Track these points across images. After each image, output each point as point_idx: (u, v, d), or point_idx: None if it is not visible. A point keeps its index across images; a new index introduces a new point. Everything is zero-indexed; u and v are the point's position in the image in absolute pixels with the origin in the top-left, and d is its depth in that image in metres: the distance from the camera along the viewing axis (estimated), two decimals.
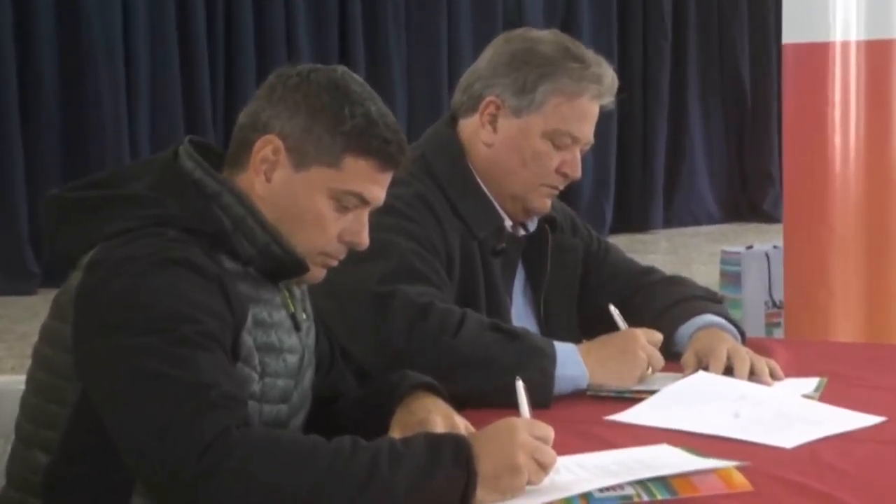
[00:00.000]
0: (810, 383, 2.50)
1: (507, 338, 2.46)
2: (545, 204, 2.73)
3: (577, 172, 2.71)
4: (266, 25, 8.58)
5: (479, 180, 2.70)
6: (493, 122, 2.69)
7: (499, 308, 2.67)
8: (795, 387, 2.49)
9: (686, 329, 2.68)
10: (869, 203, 3.99)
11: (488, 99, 2.69)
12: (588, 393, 2.46)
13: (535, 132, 2.66)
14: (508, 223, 2.73)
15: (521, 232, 2.78)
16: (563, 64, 2.66)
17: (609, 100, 2.72)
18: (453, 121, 2.76)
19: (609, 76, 2.70)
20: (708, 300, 2.79)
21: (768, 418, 2.29)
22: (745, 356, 2.54)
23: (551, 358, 2.43)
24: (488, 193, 2.70)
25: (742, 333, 2.74)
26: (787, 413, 2.31)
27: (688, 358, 2.58)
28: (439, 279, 2.55)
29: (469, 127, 2.72)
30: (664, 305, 2.76)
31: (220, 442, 1.75)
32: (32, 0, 7.92)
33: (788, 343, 3.64)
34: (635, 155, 10.22)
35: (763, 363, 2.53)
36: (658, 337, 2.54)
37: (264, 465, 1.75)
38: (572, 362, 2.46)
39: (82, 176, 2.14)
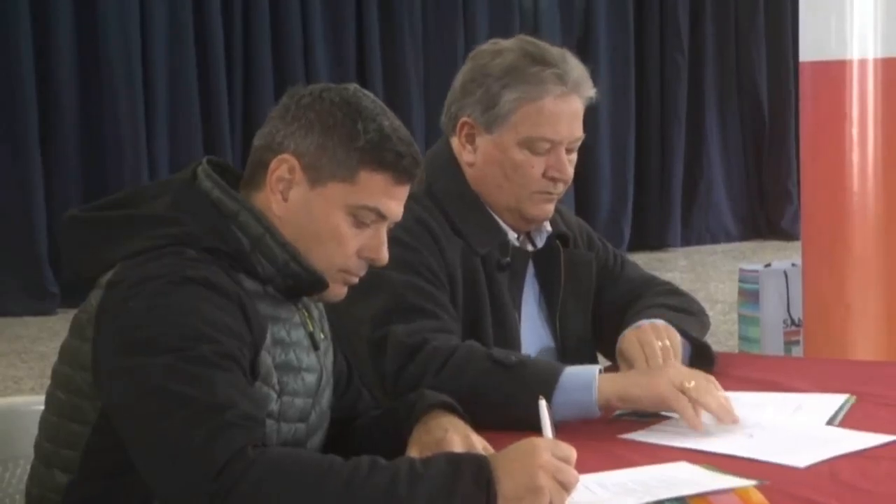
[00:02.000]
0: (837, 400, 2.49)
1: (499, 369, 2.40)
2: (544, 210, 2.71)
3: (565, 173, 2.68)
4: (284, 43, 8.61)
5: (478, 196, 2.70)
6: (471, 141, 2.69)
7: (506, 323, 2.66)
8: (822, 403, 2.47)
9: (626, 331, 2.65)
10: (887, 220, 4.00)
11: (462, 120, 2.69)
12: (613, 417, 2.43)
13: (510, 144, 2.65)
14: (513, 236, 2.72)
15: (530, 246, 2.77)
16: (523, 70, 2.63)
17: (587, 92, 2.68)
18: (448, 141, 2.76)
19: (574, 70, 2.66)
20: (678, 310, 2.75)
21: (783, 439, 2.28)
22: (652, 342, 2.53)
23: (549, 387, 2.33)
24: (489, 209, 2.70)
25: (706, 349, 2.70)
26: (804, 435, 2.30)
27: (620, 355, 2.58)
28: (437, 308, 2.53)
29: (455, 147, 2.73)
30: (634, 312, 2.74)
31: (236, 462, 1.75)
32: (52, 22, 7.97)
33: (809, 362, 3.65)
34: (653, 173, 10.22)
35: (669, 355, 2.51)
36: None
37: (280, 486, 1.75)
38: (579, 387, 2.37)
39: (101, 196, 2.15)
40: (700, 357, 2.69)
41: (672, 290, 2.91)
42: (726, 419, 2.32)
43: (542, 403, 1.98)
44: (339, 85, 2.13)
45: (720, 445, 2.23)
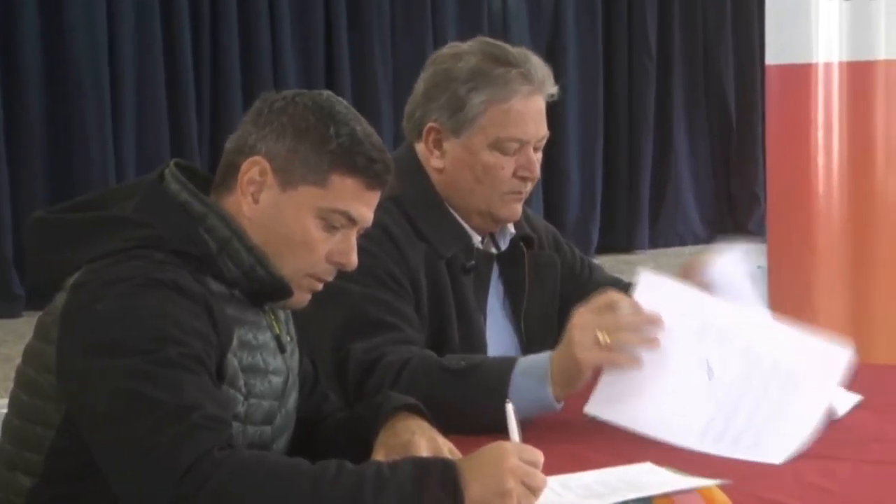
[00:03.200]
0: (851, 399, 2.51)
1: (450, 378, 2.40)
2: (514, 210, 2.72)
3: (535, 172, 2.68)
4: (252, 48, 8.58)
5: (442, 200, 2.70)
6: (439, 146, 2.69)
7: (471, 326, 2.67)
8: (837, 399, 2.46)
9: None
10: (852, 223, 4.02)
11: (428, 125, 2.69)
12: (585, 417, 2.41)
13: (480, 146, 2.65)
14: (477, 239, 2.72)
15: (494, 249, 2.78)
16: (488, 73, 2.64)
17: (551, 90, 2.69)
18: (411, 146, 2.76)
19: (539, 69, 2.67)
20: None
21: (740, 370, 2.33)
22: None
23: (499, 392, 2.30)
24: (453, 212, 2.70)
25: None
26: (758, 353, 2.35)
27: None
28: (398, 319, 2.53)
29: (421, 153, 2.73)
30: None
31: (202, 464, 1.75)
32: (18, 21, 7.92)
33: None
34: (621, 176, 10.23)
35: None
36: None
37: (246, 488, 1.75)
38: (531, 387, 2.36)
39: (68, 198, 2.14)
40: None
41: None
42: (647, 333, 2.33)
43: (509, 407, 1.97)
44: (313, 91, 2.14)
45: (677, 432, 2.29)
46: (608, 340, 2.32)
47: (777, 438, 2.28)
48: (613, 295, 2.43)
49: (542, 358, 2.41)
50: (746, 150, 10.45)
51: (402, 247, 2.60)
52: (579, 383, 2.37)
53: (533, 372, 2.39)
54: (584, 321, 2.36)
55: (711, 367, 2.33)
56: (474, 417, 2.26)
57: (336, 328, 2.50)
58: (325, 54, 8.87)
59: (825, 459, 2.19)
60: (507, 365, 2.42)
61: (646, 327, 2.36)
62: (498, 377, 2.39)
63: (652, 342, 2.34)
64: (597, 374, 2.37)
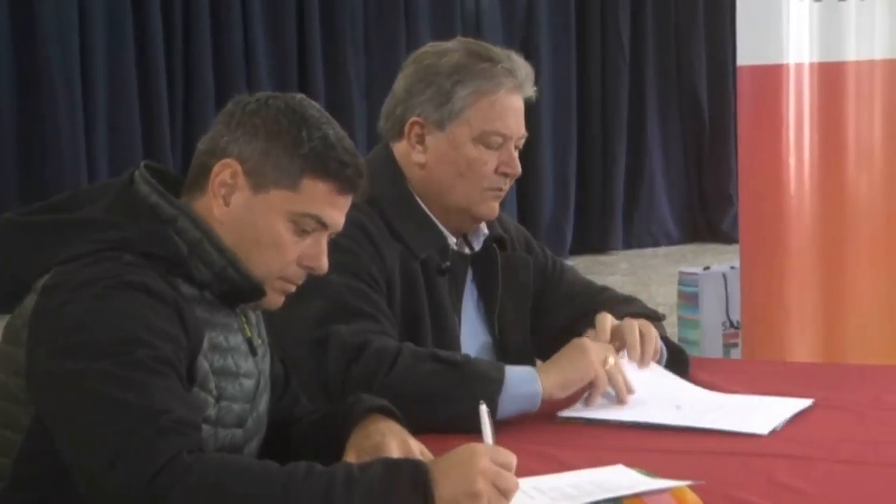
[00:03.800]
0: (798, 404, 2.52)
1: (446, 368, 2.44)
2: (492, 208, 2.73)
3: (517, 168, 2.71)
4: (225, 50, 8.55)
5: (418, 201, 2.70)
6: (421, 141, 2.70)
7: (445, 328, 2.67)
8: (786, 406, 2.50)
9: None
10: (823, 223, 4.03)
11: (411, 120, 2.69)
12: (558, 422, 2.46)
13: (464, 140, 2.67)
14: (453, 241, 2.73)
15: (468, 250, 2.78)
16: (474, 66, 2.66)
17: (529, 90, 2.72)
18: (387, 147, 2.76)
19: (522, 67, 2.71)
20: (650, 318, 2.80)
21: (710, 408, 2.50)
22: (633, 327, 2.64)
23: (497, 383, 2.41)
24: (429, 213, 2.70)
25: (682, 352, 2.79)
26: (727, 405, 2.53)
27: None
28: (376, 311, 2.55)
29: (400, 151, 2.73)
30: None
31: (171, 468, 1.75)
32: None
33: (748, 364, 3.68)
34: (595, 176, 10.24)
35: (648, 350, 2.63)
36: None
37: (216, 492, 1.75)
38: (524, 381, 2.45)
39: (39, 200, 2.13)
40: (676, 362, 2.76)
41: (629, 297, 2.95)
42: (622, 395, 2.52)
43: (483, 409, 1.98)
44: (286, 94, 2.14)
45: (650, 415, 2.44)
46: (612, 363, 2.51)
47: (758, 416, 2.42)
48: (607, 318, 2.65)
49: (526, 366, 2.53)
50: (719, 150, 10.48)
51: (378, 245, 2.61)
52: (570, 390, 2.50)
53: (523, 370, 2.48)
54: (593, 345, 2.54)
55: (681, 406, 2.54)
56: (468, 408, 2.25)
57: (315, 314, 2.49)
58: (298, 56, 8.86)
59: (797, 459, 2.20)
60: (498, 364, 2.50)
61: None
62: (494, 370, 2.44)
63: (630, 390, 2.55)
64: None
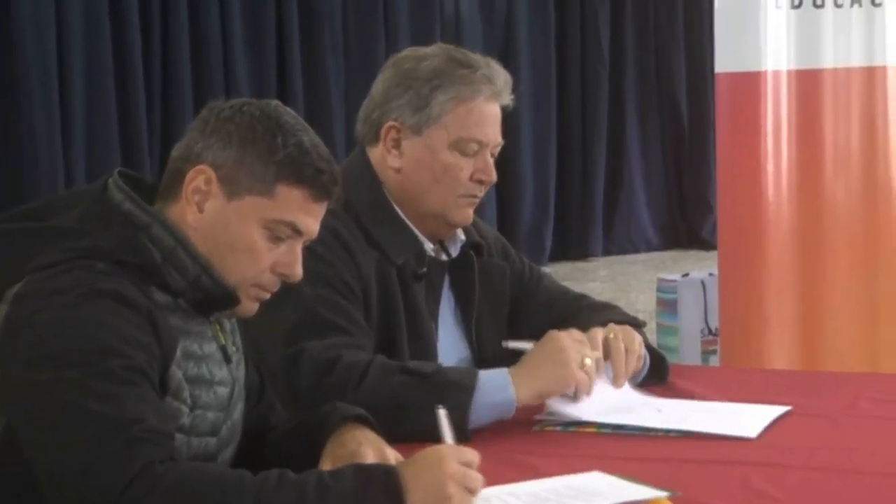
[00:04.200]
0: (776, 411, 2.52)
1: (415, 379, 2.43)
2: (467, 214, 2.72)
3: (493, 176, 2.70)
4: (203, 55, 8.53)
5: (394, 206, 2.70)
6: (397, 146, 2.69)
7: (422, 334, 2.66)
8: (762, 414, 2.51)
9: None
10: (801, 230, 4.04)
11: (388, 124, 2.68)
12: (534, 428, 2.45)
13: (441, 146, 2.66)
14: (429, 247, 2.72)
15: (444, 256, 2.78)
16: (453, 72, 2.66)
17: (507, 98, 2.71)
18: (363, 151, 2.75)
19: (501, 75, 2.70)
20: (631, 324, 2.80)
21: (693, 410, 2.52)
22: (620, 349, 2.60)
23: (467, 390, 2.40)
24: (405, 219, 2.70)
25: (663, 360, 2.78)
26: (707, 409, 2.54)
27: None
28: (349, 322, 2.53)
29: (376, 156, 2.72)
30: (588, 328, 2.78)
31: (144, 477, 1.74)
32: None
33: (726, 371, 3.68)
34: (575, 183, 10.25)
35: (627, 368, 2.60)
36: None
37: (188, 501, 1.74)
38: (497, 388, 2.43)
39: (16, 206, 2.12)
40: (657, 370, 2.76)
41: (607, 304, 2.96)
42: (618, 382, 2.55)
43: (441, 412, 2.00)
44: (261, 100, 2.13)
45: (632, 419, 2.44)
46: (590, 364, 2.47)
47: (741, 421, 2.43)
48: (598, 333, 2.59)
49: (499, 370, 2.49)
50: (698, 157, 10.50)
51: (354, 253, 2.60)
52: (546, 396, 2.47)
53: (496, 378, 2.46)
54: (570, 344, 2.48)
55: (662, 409, 2.55)
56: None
57: (287, 327, 2.48)
58: (277, 61, 8.84)
59: (773, 467, 2.20)
60: (471, 371, 2.49)
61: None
62: (465, 379, 2.43)
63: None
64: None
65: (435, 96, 2.65)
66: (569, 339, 2.50)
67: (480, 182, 2.69)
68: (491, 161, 2.70)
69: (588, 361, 2.47)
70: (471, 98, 2.65)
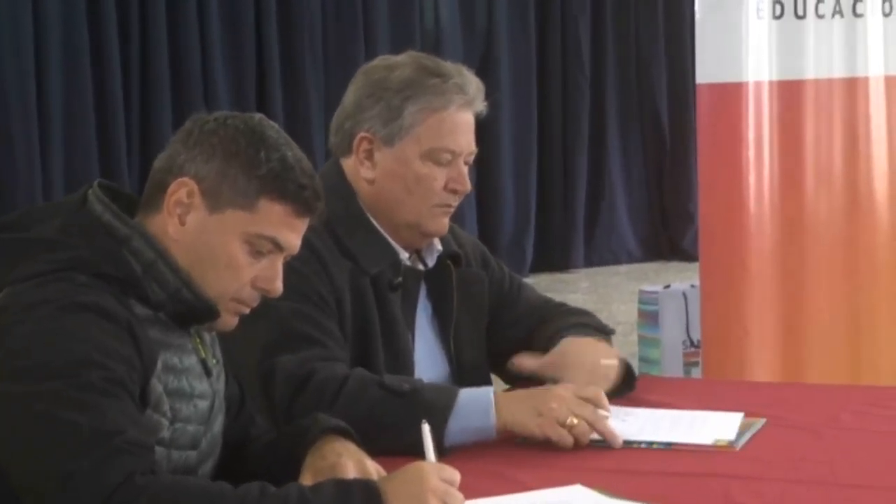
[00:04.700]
0: (734, 418, 2.52)
1: (393, 396, 2.41)
2: (442, 224, 2.71)
3: (466, 185, 2.69)
4: (182, 67, 8.51)
5: (369, 217, 2.69)
6: (370, 157, 2.68)
7: (398, 344, 2.65)
8: (721, 422, 2.50)
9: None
10: (783, 242, 4.03)
11: (360, 135, 2.67)
12: (517, 441, 2.42)
13: (413, 156, 2.65)
14: (405, 256, 2.71)
15: (421, 266, 2.77)
16: (424, 82, 2.64)
17: (480, 106, 2.70)
18: (337, 162, 2.74)
19: (472, 83, 2.69)
20: (596, 329, 2.79)
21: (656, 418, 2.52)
22: (597, 359, 2.61)
23: (445, 411, 2.37)
24: (380, 229, 2.69)
25: (628, 367, 2.74)
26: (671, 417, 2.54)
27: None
28: (323, 335, 2.52)
29: (349, 166, 2.71)
30: (554, 330, 2.77)
31: (124, 490, 1.74)
32: None
33: (709, 383, 3.68)
34: (556, 194, 10.25)
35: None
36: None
37: None
38: (477, 413, 2.40)
39: None
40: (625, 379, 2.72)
41: (581, 310, 2.94)
42: (614, 444, 2.39)
43: (425, 428, 1.99)
44: (245, 114, 2.13)
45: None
46: (574, 424, 2.37)
47: (717, 426, 2.45)
48: (601, 393, 2.47)
49: (485, 391, 2.46)
50: (680, 168, 10.50)
51: (327, 264, 2.59)
52: (521, 434, 2.41)
53: (478, 401, 2.42)
54: (566, 397, 2.41)
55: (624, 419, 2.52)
56: (414, 438, 2.24)
57: (262, 342, 2.47)
58: (257, 73, 8.83)
59: (753, 479, 2.20)
60: (450, 391, 2.44)
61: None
62: (443, 400, 2.40)
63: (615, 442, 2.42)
64: None
65: (406, 107, 2.63)
66: (564, 393, 2.43)
67: (454, 192, 2.68)
68: (465, 170, 2.70)
69: (574, 421, 2.37)
70: (442, 108, 2.64)
